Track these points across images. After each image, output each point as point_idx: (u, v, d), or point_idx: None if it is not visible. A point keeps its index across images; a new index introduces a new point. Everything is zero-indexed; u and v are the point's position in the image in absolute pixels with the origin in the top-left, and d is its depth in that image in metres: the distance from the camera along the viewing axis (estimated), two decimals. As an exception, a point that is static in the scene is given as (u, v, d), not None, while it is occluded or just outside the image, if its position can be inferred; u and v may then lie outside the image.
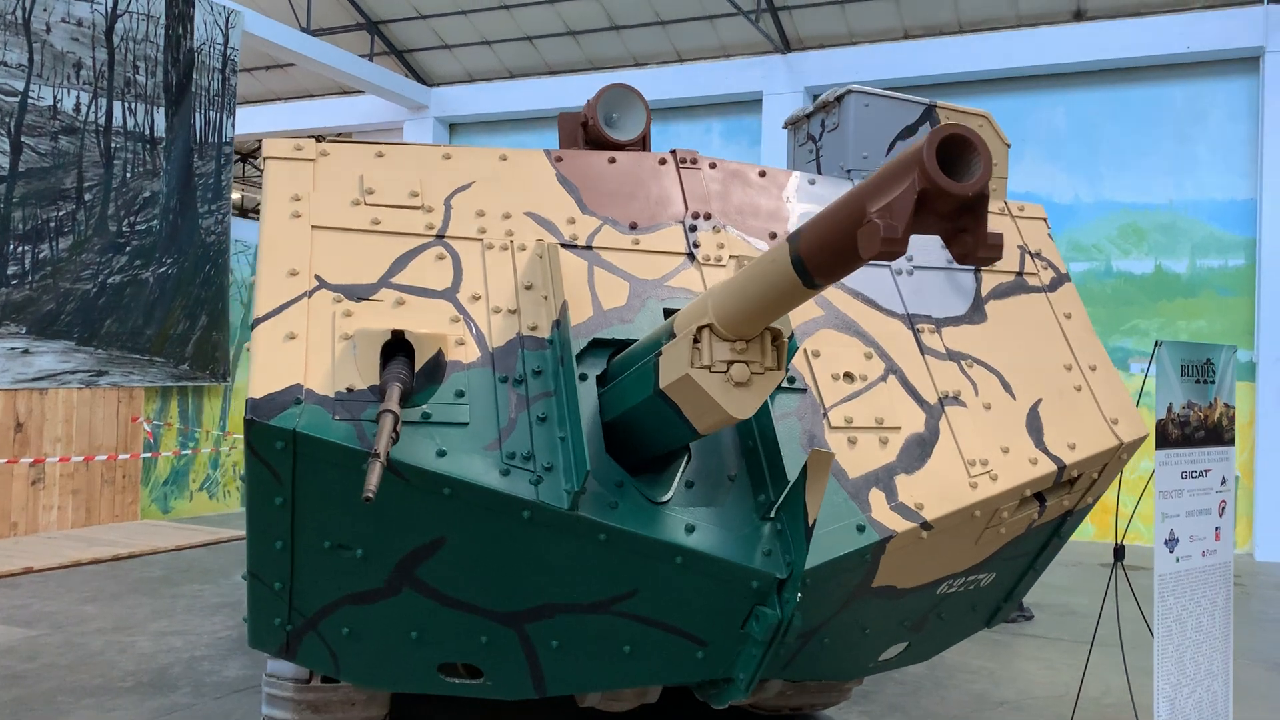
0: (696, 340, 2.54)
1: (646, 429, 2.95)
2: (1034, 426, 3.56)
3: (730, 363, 2.53)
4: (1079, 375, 3.73)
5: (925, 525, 3.24)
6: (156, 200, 11.42)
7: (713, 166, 3.91)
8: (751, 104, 14.17)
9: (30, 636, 6.63)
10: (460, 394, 3.08)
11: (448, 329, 3.18)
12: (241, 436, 12.36)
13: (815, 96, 14.10)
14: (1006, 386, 3.62)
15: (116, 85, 11.01)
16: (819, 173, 4.20)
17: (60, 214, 10.43)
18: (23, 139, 10.10)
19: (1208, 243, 12.19)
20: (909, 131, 4.13)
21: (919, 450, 3.38)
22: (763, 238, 3.77)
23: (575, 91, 15.18)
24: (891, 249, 1.73)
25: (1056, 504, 3.66)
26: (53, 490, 10.47)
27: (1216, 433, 4.81)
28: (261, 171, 3.74)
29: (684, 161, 3.87)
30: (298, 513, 3.07)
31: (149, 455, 11.54)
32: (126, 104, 11.11)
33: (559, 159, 3.75)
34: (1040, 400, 3.62)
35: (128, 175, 11.12)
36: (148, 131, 11.35)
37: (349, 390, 2.96)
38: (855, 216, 1.88)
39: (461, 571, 3.17)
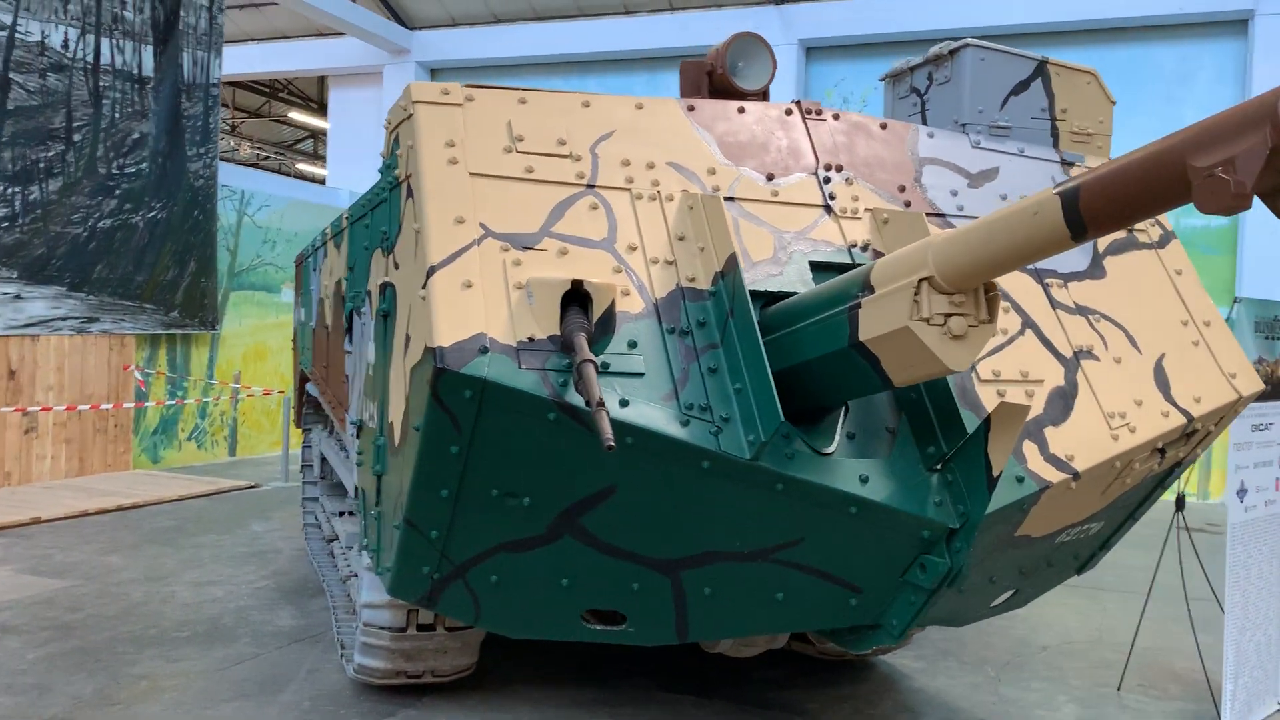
0: (915, 293, 2.56)
1: (827, 381, 2.98)
2: (1161, 380, 3.66)
3: (948, 316, 2.57)
4: (1195, 330, 3.83)
5: (1075, 476, 3.33)
6: (145, 142, 11.07)
7: (836, 118, 3.91)
8: (744, 55, 14.08)
9: (65, 587, 6.51)
10: (633, 344, 3.07)
11: (612, 279, 3.17)
12: (235, 385, 12.15)
13: (808, 50, 14.08)
14: (1132, 341, 3.71)
15: (104, 21, 10.60)
16: (925, 125, 4.23)
17: (49, 154, 10.06)
18: (11, 75, 9.70)
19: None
20: (1022, 87, 4.17)
21: (1062, 403, 3.46)
22: (891, 190, 3.79)
23: (561, 38, 14.98)
24: (1240, 204, 1.77)
25: (1173, 455, 3.77)
26: (45, 439, 10.22)
27: (1279, 387, 4.99)
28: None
29: (809, 112, 3.87)
30: (470, 461, 3.06)
31: (151, 404, 11.31)
32: (114, 41, 10.71)
33: (691, 108, 3.72)
34: (1164, 355, 3.72)
35: (116, 116, 10.75)
36: (136, 70, 10.98)
37: (530, 339, 2.95)
38: (1171, 170, 1.91)
39: (627, 520, 3.19)
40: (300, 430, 8.73)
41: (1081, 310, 3.72)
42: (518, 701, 4.78)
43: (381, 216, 3.95)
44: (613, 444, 2.47)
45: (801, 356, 3.00)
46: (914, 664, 5.65)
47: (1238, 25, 12.17)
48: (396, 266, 3.61)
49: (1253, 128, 1.76)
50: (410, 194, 3.36)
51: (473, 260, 3.06)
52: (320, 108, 24.86)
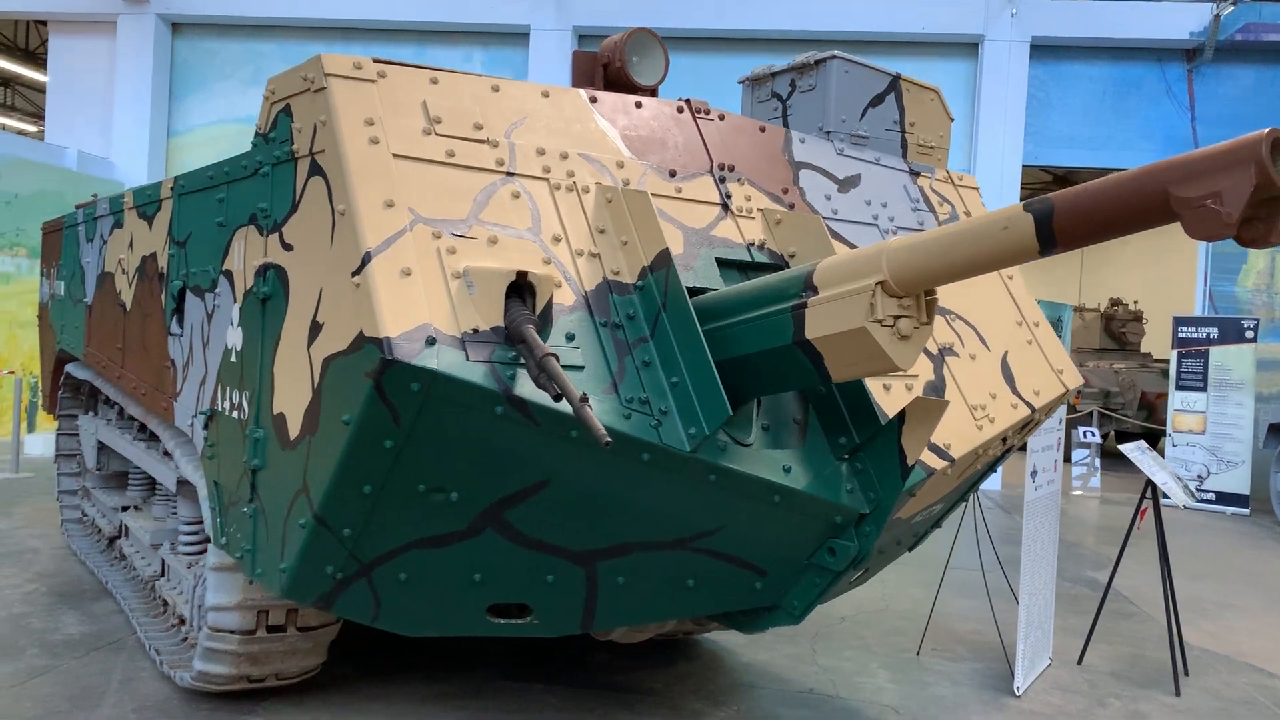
0: (872, 296, 2.73)
1: (762, 375, 3.08)
2: (1008, 375, 4.06)
3: (898, 318, 2.75)
4: (1028, 330, 4.28)
5: (952, 463, 3.64)
6: None
7: (721, 118, 4.02)
8: (518, 37, 14.01)
9: None
10: (571, 337, 3.06)
11: (544, 270, 3.13)
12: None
13: (581, 36, 14.18)
14: (982, 339, 4.09)
15: None
16: (786, 128, 4.43)
17: None
18: None
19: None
20: (878, 99, 4.46)
21: (935, 396, 3.76)
22: (776, 191, 3.96)
23: (321, 2, 14.23)
24: (1228, 232, 2.03)
25: (1010, 442, 4.20)
26: None
27: (1060, 380, 5.63)
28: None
29: (699, 112, 3.97)
30: (403, 456, 2.94)
31: None
32: None
33: (594, 99, 3.72)
34: (1008, 352, 4.13)
35: None
36: None
37: (475, 330, 2.87)
38: (1152, 197, 2.16)
39: (553, 513, 3.18)
40: (53, 417, 7.88)
41: (941, 311, 4.05)
42: (365, 699, 4.61)
43: (253, 192, 3.68)
44: (609, 440, 2.47)
45: (736, 351, 3.10)
46: (736, 639, 5.92)
47: (970, 48, 13.47)
48: (287, 248, 3.38)
49: (1239, 166, 2.03)
50: (318, 172, 3.17)
51: (407, 247, 2.93)
52: (26, 54, 22.30)
